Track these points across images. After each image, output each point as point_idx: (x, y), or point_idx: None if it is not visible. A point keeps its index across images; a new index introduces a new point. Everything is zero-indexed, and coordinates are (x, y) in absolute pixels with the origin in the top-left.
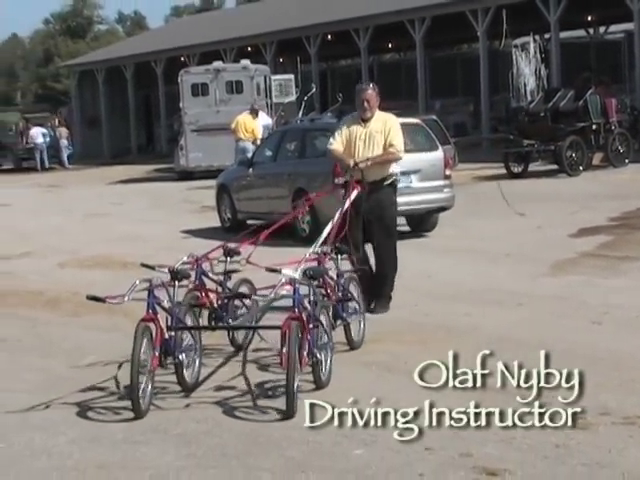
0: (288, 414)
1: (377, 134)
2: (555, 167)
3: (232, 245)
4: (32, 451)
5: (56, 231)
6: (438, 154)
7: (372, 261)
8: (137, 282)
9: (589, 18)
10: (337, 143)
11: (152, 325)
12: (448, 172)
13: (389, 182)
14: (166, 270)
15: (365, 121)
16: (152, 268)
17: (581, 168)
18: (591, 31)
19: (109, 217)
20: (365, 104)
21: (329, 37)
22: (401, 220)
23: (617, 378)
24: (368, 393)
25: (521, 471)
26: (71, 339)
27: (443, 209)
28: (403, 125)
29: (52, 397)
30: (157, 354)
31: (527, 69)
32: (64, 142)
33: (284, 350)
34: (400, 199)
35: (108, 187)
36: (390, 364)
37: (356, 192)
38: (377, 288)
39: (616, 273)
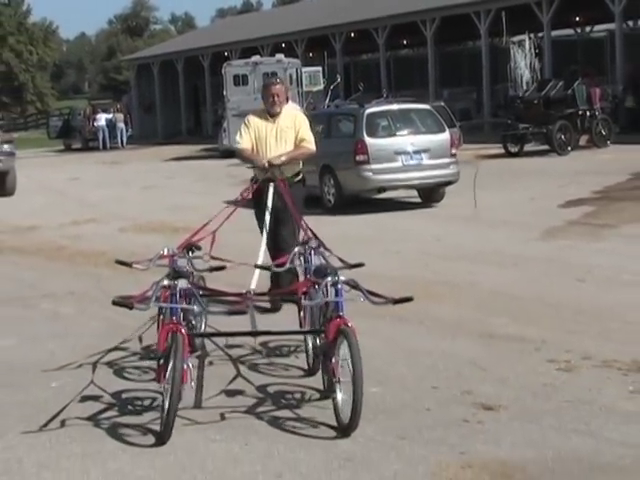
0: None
1: (288, 130)
2: (546, 147)
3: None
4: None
5: (117, 201)
6: (445, 135)
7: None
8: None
9: (577, 19)
10: (245, 142)
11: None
12: (454, 151)
13: (300, 178)
14: (143, 266)
15: (273, 116)
16: (129, 265)
17: (569, 148)
18: (578, 30)
19: (162, 189)
20: (274, 98)
21: (352, 35)
22: (413, 192)
23: (597, 327)
24: (384, 338)
25: (513, 406)
26: (130, 292)
27: (450, 183)
28: (415, 110)
29: (114, 342)
30: (186, 366)
31: (523, 63)
32: (120, 125)
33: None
34: (412, 174)
35: (161, 164)
36: (402, 315)
37: (272, 192)
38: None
39: (597, 238)
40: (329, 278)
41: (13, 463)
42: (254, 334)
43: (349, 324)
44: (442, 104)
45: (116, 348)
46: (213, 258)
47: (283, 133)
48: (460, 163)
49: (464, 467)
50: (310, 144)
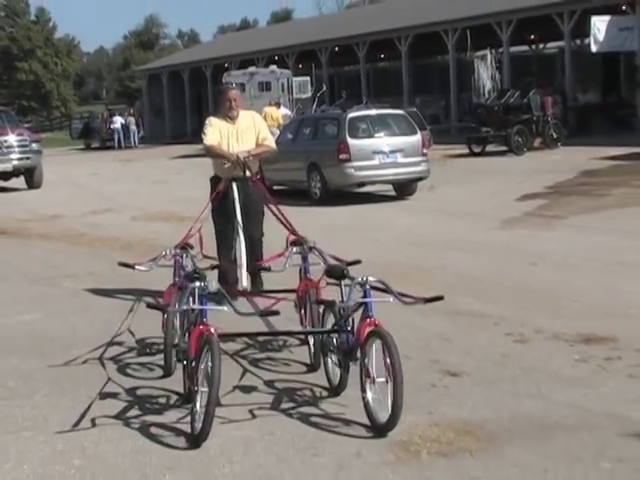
0: None
1: (248, 130)
2: (505, 148)
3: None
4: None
5: (130, 193)
6: (417, 137)
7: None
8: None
9: (532, 37)
10: (212, 139)
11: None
12: (425, 151)
13: (260, 176)
14: (146, 267)
15: (233, 119)
16: (131, 267)
17: (525, 149)
18: (533, 47)
19: (170, 184)
20: (231, 103)
21: (336, 49)
22: (388, 186)
23: (548, 305)
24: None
25: (475, 374)
26: (141, 274)
27: (421, 179)
28: (391, 115)
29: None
30: None
31: (485, 75)
32: (133, 127)
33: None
34: (388, 171)
35: (169, 161)
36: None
37: (236, 191)
38: (253, 267)
39: (549, 228)
40: (360, 279)
41: (40, 420)
42: (276, 334)
43: (381, 325)
44: (414, 110)
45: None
46: (205, 257)
47: (244, 134)
48: (430, 161)
49: (432, 425)
50: (272, 142)
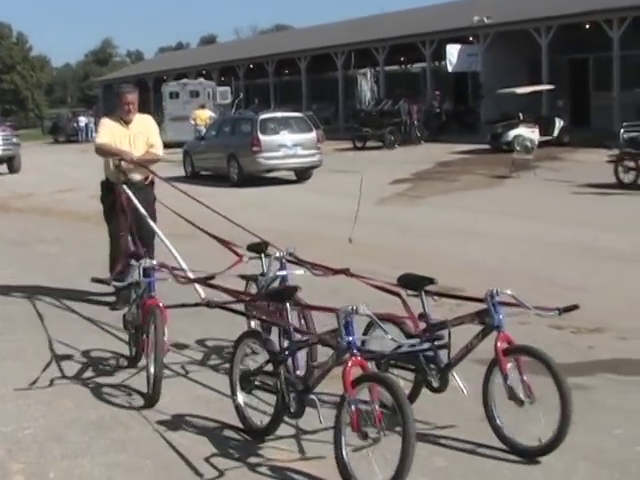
0: None
1: (140, 135)
2: (381, 144)
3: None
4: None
5: (88, 177)
6: (313, 134)
7: None
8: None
9: (402, 59)
10: (106, 138)
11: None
12: (319, 145)
13: (151, 180)
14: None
15: (128, 123)
16: (107, 283)
17: (396, 145)
18: (402, 66)
19: None
20: (129, 106)
21: (251, 66)
22: (291, 173)
23: (415, 264)
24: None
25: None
26: (98, 239)
27: (315, 167)
28: (293, 117)
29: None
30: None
31: (366, 87)
32: (92, 126)
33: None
34: (290, 160)
35: None
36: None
37: (130, 193)
38: None
39: (414, 205)
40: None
41: (19, 352)
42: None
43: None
44: (311, 113)
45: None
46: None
47: (136, 138)
48: (323, 153)
49: None
50: (159, 150)
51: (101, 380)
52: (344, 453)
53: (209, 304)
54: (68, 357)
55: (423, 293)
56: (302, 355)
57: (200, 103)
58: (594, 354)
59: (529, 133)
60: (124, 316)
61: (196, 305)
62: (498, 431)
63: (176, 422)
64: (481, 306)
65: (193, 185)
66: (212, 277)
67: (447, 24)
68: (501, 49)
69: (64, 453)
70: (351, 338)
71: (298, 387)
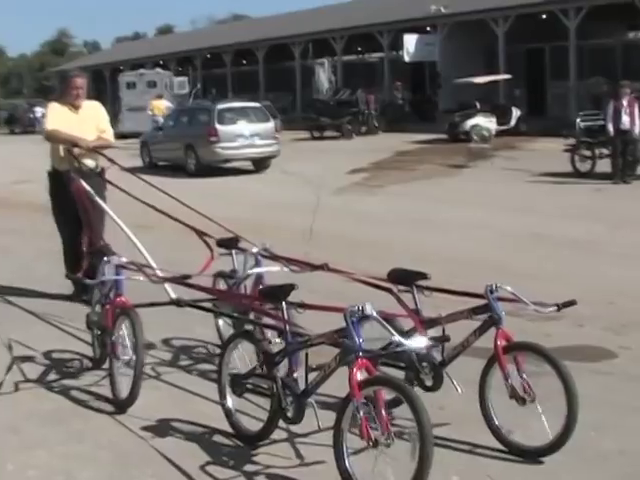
0: None
1: (90, 121)
2: (338, 134)
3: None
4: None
5: (44, 167)
6: (271, 124)
7: None
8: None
9: (359, 49)
10: (56, 124)
11: None
12: (276, 135)
13: (100, 169)
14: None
15: (77, 109)
16: (81, 280)
17: (354, 135)
18: (360, 56)
19: None
20: (77, 91)
21: (208, 56)
22: (247, 162)
23: (369, 252)
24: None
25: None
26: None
27: (273, 156)
28: (250, 107)
29: (44, 264)
30: None
31: (323, 77)
32: None
33: None
34: (248, 150)
35: None
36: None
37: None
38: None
39: (371, 194)
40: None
41: None
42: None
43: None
44: (268, 103)
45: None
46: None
47: (86, 125)
48: (280, 143)
49: None
50: (110, 136)
51: (63, 379)
52: (346, 460)
53: (179, 303)
54: (29, 358)
55: (414, 288)
56: (299, 356)
57: (157, 93)
58: (551, 341)
59: (486, 122)
60: (88, 316)
61: (165, 304)
62: (497, 431)
63: (147, 422)
64: (474, 302)
65: (150, 175)
66: (188, 277)
67: (405, 14)
68: (458, 39)
69: (21, 445)
70: (361, 339)
71: (297, 390)
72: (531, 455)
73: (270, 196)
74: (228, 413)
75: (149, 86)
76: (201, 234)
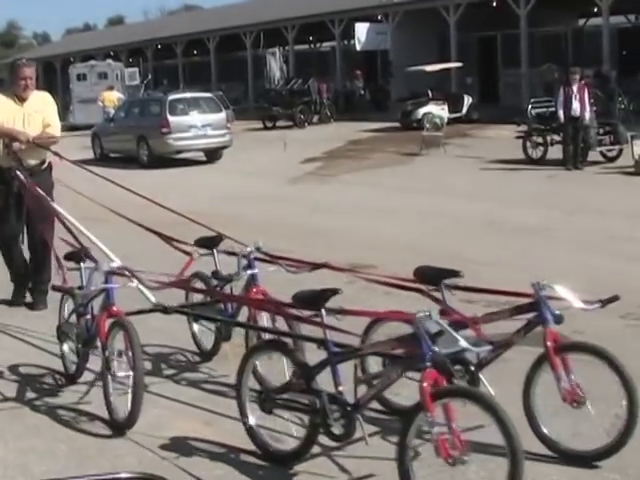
0: None
1: (36, 114)
2: (291, 123)
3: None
4: None
5: None
6: (223, 114)
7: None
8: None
9: (311, 38)
10: None
11: None
12: (229, 125)
13: (47, 165)
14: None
15: (23, 101)
16: (70, 292)
17: (307, 124)
18: (312, 46)
19: None
20: (25, 82)
21: (159, 47)
22: (200, 153)
23: (324, 242)
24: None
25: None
26: None
27: (225, 147)
28: (202, 98)
29: None
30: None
31: (275, 66)
32: None
33: None
34: (200, 141)
35: None
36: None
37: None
38: (38, 281)
39: (324, 183)
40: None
41: None
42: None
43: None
44: (220, 94)
45: None
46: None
47: (31, 118)
48: (232, 133)
49: None
50: (56, 130)
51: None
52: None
53: (166, 309)
54: None
55: (443, 287)
56: (344, 368)
57: (108, 85)
58: (510, 327)
59: (438, 110)
60: (59, 327)
61: (152, 311)
62: (544, 438)
63: (161, 440)
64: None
65: (102, 167)
66: (189, 280)
67: (356, 3)
68: (410, 27)
69: None
70: (436, 348)
71: (347, 405)
72: (585, 460)
73: (223, 186)
74: (251, 431)
75: (100, 78)
76: (169, 240)
